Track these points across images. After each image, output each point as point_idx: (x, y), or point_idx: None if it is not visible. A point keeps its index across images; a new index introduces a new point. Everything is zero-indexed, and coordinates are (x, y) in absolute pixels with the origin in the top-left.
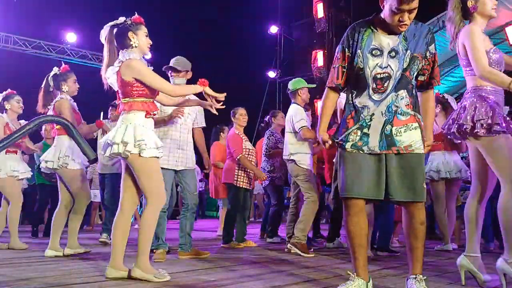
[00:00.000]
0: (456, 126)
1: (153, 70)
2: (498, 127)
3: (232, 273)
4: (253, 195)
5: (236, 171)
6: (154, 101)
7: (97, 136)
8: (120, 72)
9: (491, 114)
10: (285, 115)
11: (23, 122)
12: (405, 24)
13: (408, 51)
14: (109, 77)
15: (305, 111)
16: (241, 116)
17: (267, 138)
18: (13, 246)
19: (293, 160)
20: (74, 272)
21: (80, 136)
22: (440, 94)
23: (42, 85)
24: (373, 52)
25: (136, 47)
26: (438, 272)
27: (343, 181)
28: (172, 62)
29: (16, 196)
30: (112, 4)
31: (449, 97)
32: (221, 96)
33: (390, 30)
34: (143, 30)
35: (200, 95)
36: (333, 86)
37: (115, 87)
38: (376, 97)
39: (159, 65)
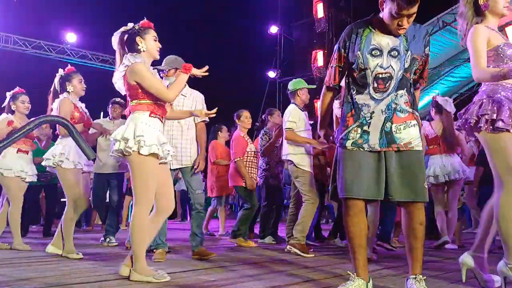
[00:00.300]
0: (462, 121)
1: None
2: (502, 123)
3: (232, 273)
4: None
5: None
6: (162, 104)
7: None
8: (126, 76)
9: (496, 109)
10: None
11: None
12: (404, 28)
13: (409, 52)
14: (116, 82)
15: (302, 111)
16: (246, 118)
17: (260, 137)
18: (16, 247)
19: (292, 161)
20: (74, 272)
21: (80, 135)
22: (436, 96)
23: (51, 89)
24: (373, 52)
25: (144, 51)
26: (438, 272)
27: (342, 181)
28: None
29: (18, 198)
30: (112, 4)
31: (447, 99)
32: (212, 112)
33: (389, 30)
34: (151, 34)
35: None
36: (330, 86)
37: (123, 92)
38: (377, 96)
39: (158, 65)
